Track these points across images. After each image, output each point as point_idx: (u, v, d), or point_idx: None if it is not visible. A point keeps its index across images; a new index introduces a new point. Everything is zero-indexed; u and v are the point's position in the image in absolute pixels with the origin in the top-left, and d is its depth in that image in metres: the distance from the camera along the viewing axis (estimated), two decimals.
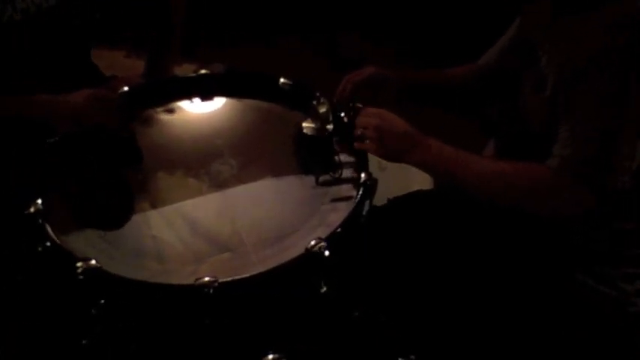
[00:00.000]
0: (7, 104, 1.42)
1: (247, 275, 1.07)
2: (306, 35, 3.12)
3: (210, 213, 1.28)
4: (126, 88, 1.51)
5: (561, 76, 1.11)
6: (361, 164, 1.30)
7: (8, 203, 1.26)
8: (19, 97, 1.42)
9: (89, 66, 1.76)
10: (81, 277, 1.05)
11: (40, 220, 1.15)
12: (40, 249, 1.13)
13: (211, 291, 1.03)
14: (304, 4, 3.12)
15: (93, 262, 1.07)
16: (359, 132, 1.24)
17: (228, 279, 1.05)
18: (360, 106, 1.40)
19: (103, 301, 1.11)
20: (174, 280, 1.10)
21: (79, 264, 1.06)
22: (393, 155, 1.22)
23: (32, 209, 1.16)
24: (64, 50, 1.60)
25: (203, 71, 1.61)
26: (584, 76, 1.07)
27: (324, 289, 1.15)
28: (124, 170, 1.40)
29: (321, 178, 1.33)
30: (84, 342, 1.22)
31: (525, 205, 1.13)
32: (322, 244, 1.10)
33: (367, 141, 1.23)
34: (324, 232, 1.16)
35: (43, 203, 1.17)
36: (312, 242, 1.10)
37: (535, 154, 1.17)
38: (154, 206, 1.29)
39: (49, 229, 1.15)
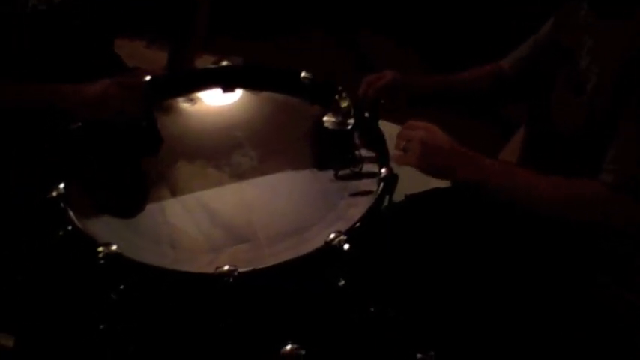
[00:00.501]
0: (31, 92, 1.43)
1: (267, 265, 1.07)
2: (329, 31, 3.11)
3: (229, 204, 1.29)
4: (148, 78, 1.52)
5: (603, 78, 1.10)
6: (382, 159, 1.30)
7: (28, 189, 1.27)
8: (43, 85, 1.43)
9: (112, 56, 1.77)
10: (102, 261, 1.06)
11: (62, 205, 1.16)
12: (60, 233, 1.14)
13: (231, 280, 1.04)
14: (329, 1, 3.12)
15: (114, 247, 1.08)
16: (402, 145, 1.19)
17: (249, 269, 1.06)
18: (383, 101, 1.40)
19: (122, 287, 1.12)
20: (193, 268, 1.11)
21: (100, 248, 1.06)
22: (436, 171, 1.16)
23: (54, 194, 1.17)
24: (87, 40, 1.61)
25: (224, 63, 1.61)
26: (629, 80, 1.04)
27: (342, 282, 1.15)
28: (144, 158, 1.41)
29: (341, 173, 1.34)
30: (101, 327, 1.23)
31: (581, 220, 1.10)
32: (342, 237, 1.10)
33: (409, 153, 1.17)
34: (343, 226, 1.16)
35: (64, 188, 1.18)
36: (332, 235, 1.10)
37: (561, 155, 1.16)
38: (173, 194, 1.30)
39: (71, 213, 1.16)
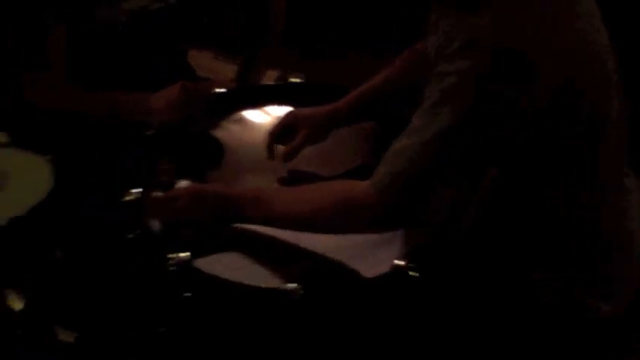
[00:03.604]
0: (103, 99, 1.48)
1: (333, 285, 1.08)
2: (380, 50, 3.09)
3: None
4: (221, 90, 1.55)
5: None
6: None
7: (104, 192, 1.30)
8: (113, 92, 1.48)
9: (184, 67, 1.81)
10: (172, 268, 1.08)
11: (137, 208, 1.19)
12: (132, 236, 1.17)
13: (296, 297, 1.04)
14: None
15: (185, 254, 1.10)
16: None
17: (314, 287, 1.06)
18: None
19: (188, 294, 1.14)
20: (257, 282, 1.11)
21: (171, 255, 1.09)
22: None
23: (130, 197, 1.20)
24: (162, 51, 1.66)
25: (293, 80, 1.63)
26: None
27: (401, 307, 1.15)
28: (209, 169, 1.43)
29: None
30: (161, 330, 1.25)
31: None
32: (409, 264, 1.10)
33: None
34: (408, 251, 1.15)
35: (139, 193, 1.21)
36: (399, 261, 1.10)
37: None
38: None
39: (145, 216, 1.18)
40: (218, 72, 2.26)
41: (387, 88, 1.41)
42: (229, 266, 1.15)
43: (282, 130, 1.40)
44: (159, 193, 1.20)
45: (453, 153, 0.98)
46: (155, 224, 1.17)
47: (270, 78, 2.22)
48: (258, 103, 1.59)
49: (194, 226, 1.16)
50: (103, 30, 1.49)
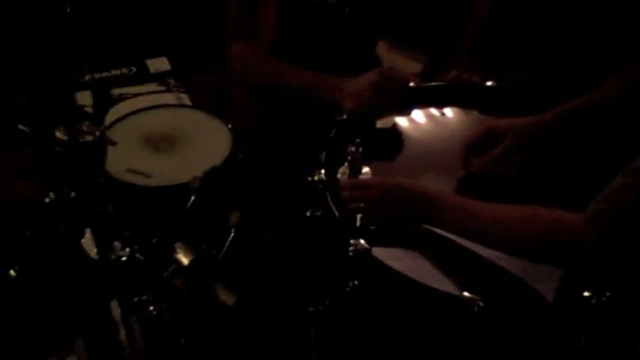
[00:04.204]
0: (306, 78, 1.51)
1: (514, 302, 1.03)
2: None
3: None
4: (413, 84, 1.53)
5: None
6: None
7: (293, 173, 1.34)
8: (313, 72, 1.50)
9: (373, 58, 1.81)
10: (350, 254, 1.08)
11: (321, 189, 1.21)
12: (315, 214, 1.19)
13: (475, 309, 1.01)
14: None
15: (362, 242, 1.10)
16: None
17: (495, 300, 1.02)
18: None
19: (357, 282, 1.14)
20: (436, 285, 1.08)
21: (352, 241, 1.09)
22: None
23: (316, 177, 1.22)
24: (359, 37, 1.66)
25: (489, 83, 1.57)
26: None
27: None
28: (390, 159, 1.41)
29: None
30: (310, 309, 1.27)
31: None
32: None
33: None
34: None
35: (325, 174, 1.23)
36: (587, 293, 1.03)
37: None
38: None
39: (329, 197, 1.20)
40: (389, 63, 2.24)
41: (597, 107, 1.31)
42: (406, 262, 1.13)
43: (477, 142, 1.35)
44: (344, 178, 1.20)
45: None
46: (336, 208, 1.18)
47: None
48: (447, 101, 1.55)
49: (375, 217, 1.15)
50: (311, 7, 1.51)
